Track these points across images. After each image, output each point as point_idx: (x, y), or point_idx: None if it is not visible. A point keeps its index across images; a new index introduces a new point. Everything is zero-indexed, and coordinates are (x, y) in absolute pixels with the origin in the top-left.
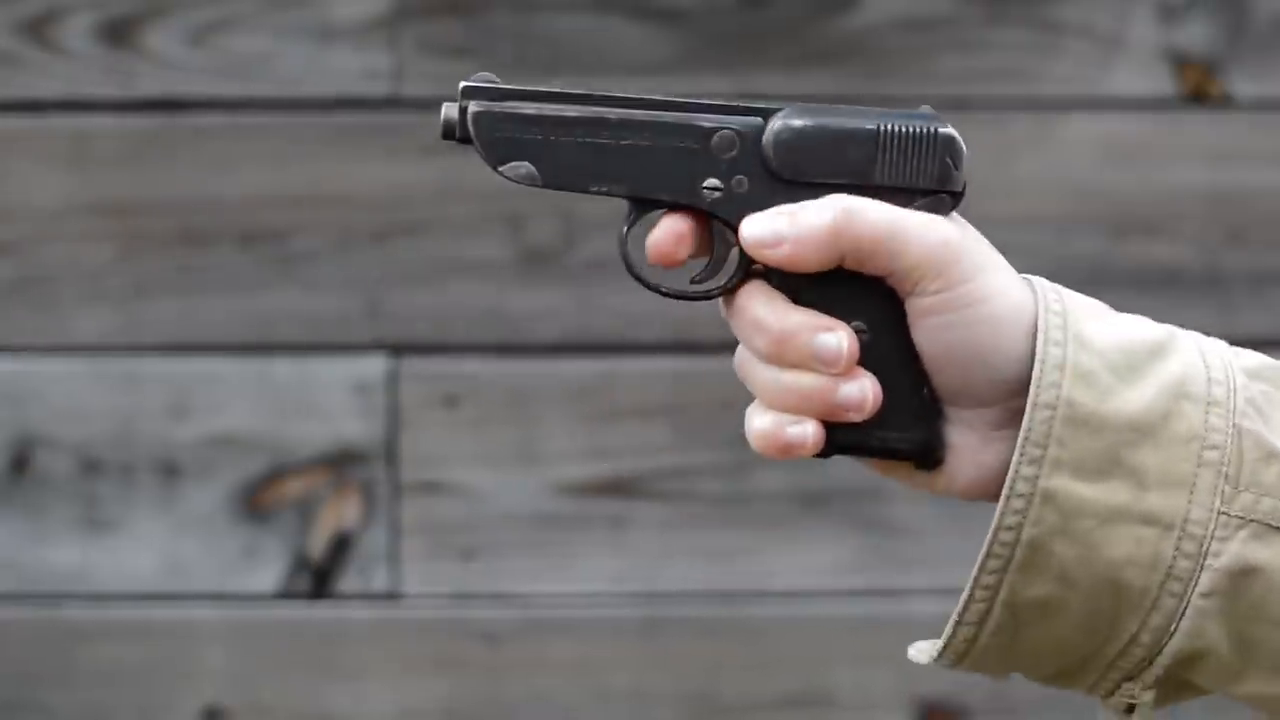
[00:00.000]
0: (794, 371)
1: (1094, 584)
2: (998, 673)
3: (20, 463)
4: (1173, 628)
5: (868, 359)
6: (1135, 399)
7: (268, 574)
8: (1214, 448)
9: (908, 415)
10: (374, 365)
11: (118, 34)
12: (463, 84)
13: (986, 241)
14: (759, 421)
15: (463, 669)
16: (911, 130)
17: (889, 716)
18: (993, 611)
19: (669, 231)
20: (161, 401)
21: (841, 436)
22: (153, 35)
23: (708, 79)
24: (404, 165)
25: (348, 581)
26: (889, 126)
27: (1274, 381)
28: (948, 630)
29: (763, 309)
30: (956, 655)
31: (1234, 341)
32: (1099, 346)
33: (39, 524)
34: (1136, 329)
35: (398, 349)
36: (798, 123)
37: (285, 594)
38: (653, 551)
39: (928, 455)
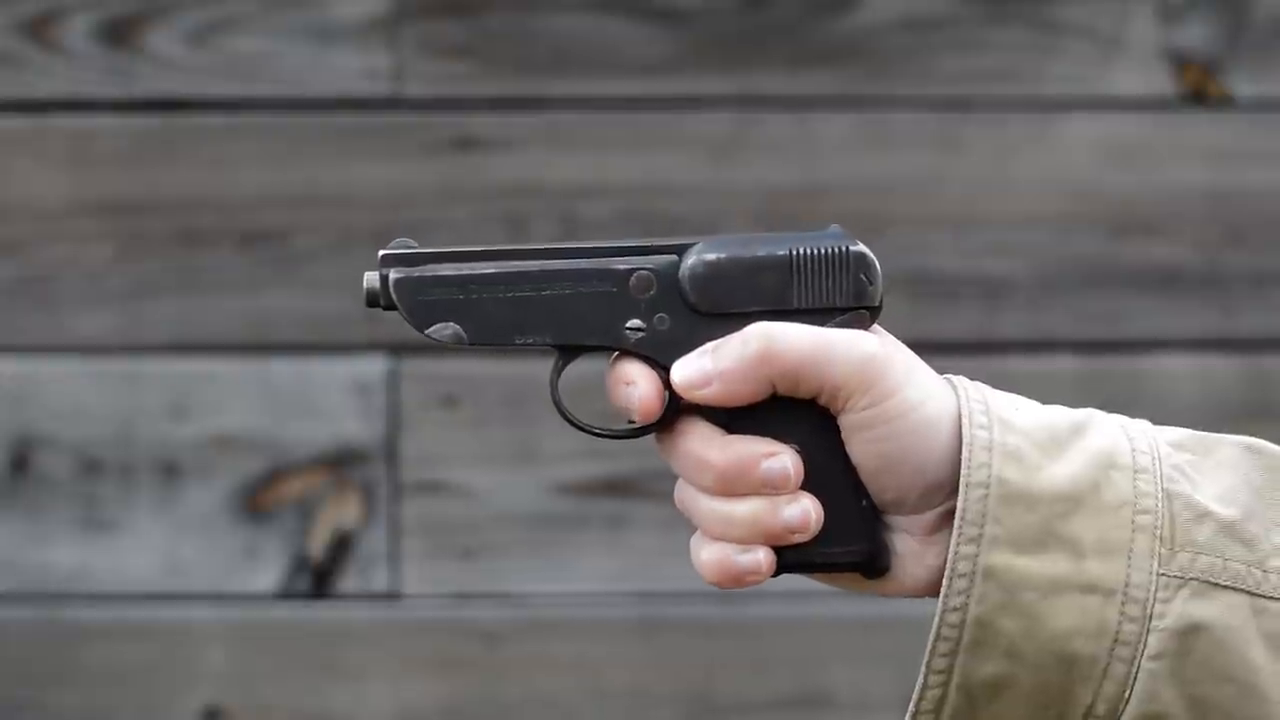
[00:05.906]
0: (738, 500)
1: (1042, 657)
2: None
3: (20, 463)
4: (1126, 694)
5: (806, 478)
6: (1063, 472)
7: (268, 574)
8: (1145, 512)
9: (850, 529)
10: (374, 365)
11: (118, 34)
12: (381, 253)
13: (905, 347)
14: (707, 554)
15: (463, 669)
16: (823, 251)
17: (887, 717)
18: (948, 696)
19: (650, 390)
20: (161, 401)
21: (789, 557)
22: (153, 35)
23: (708, 79)
24: (404, 165)
25: (348, 581)
26: (801, 250)
27: (1197, 450)
28: None
29: (701, 445)
30: None
31: (1234, 342)
32: (1023, 427)
33: (39, 524)
34: (1057, 412)
35: (397, 349)
36: (711, 256)
37: (285, 594)
38: (651, 551)
39: (873, 565)
